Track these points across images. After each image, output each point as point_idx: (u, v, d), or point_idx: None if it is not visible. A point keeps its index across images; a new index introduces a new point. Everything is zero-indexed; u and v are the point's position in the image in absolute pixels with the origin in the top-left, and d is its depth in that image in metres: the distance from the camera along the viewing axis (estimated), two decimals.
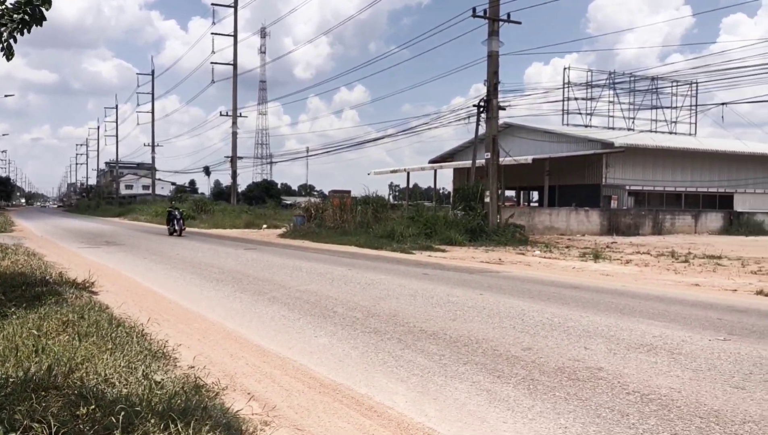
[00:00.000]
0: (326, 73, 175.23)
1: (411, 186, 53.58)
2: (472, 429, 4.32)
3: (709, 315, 8.96)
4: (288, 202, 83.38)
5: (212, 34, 52.91)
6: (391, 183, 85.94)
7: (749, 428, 4.24)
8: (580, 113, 46.22)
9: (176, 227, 28.73)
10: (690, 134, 49.10)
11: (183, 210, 32.63)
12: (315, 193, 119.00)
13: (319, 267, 15.33)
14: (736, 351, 6.55)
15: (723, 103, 28.88)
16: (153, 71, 76.88)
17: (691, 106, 48.15)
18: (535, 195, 53.56)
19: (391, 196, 65.45)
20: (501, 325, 7.95)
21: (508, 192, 53.43)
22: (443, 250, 21.46)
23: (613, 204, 39.94)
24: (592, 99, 46.50)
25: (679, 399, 4.88)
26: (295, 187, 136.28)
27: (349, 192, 47.08)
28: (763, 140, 57.03)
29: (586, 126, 46.04)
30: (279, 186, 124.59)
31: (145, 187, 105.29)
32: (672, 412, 4.58)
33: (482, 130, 27.24)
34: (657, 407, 4.68)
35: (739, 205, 44.10)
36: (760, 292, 11.72)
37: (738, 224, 41.41)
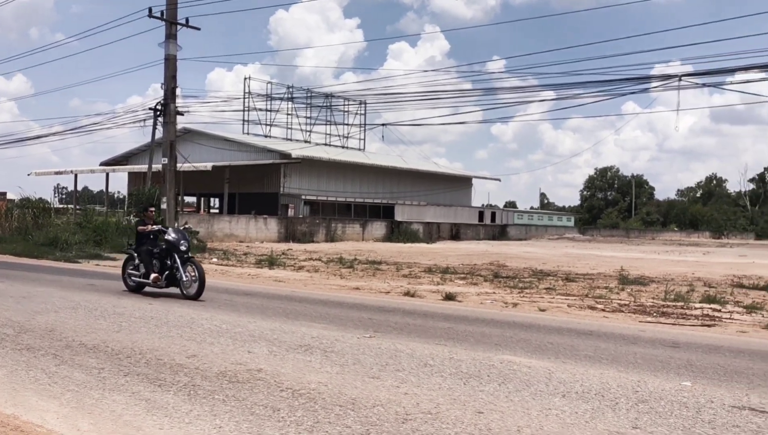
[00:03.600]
0: None
1: (80, 189, 49.80)
2: None
3: (362, 315, 10.00)
4: None
5: None
6: (57, 185, 78.56)
7: (377, 410, 4.93)
8: (261, 123, 47.60)
9: (181, 273, 11.53)
10: (360, 149, 53.63)
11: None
12: None
13: None
14: (378, 346, 7.46)
15: (384, 124, 32.10)
16: None
17: (360, 123, 52.63)
18: (216, 202, 53.59)
19: (56, 200, 60.01)
20: (168, 334, 7.94)
21: (188, 198, 52.68)
22: (114, 259, 20.42)
23: (291, 212, 41.80)
24: (272, 110, 48.16)
25: (325, 392, 5.44)
26: None
27: (4, 194, 42.15)
28: (420, 158, 64.55)
29: (266, 136, 47.55)
30: None
31: None
32: (317, 403, 5.10)
33: (160, 133, 26.55)
34: (305, 400, 5.17)
35: (399, 215, 49.31)
36: (407, 294, 13.36)
37: (398, 232, 46.27)
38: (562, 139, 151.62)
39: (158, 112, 26.28)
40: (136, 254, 12.22)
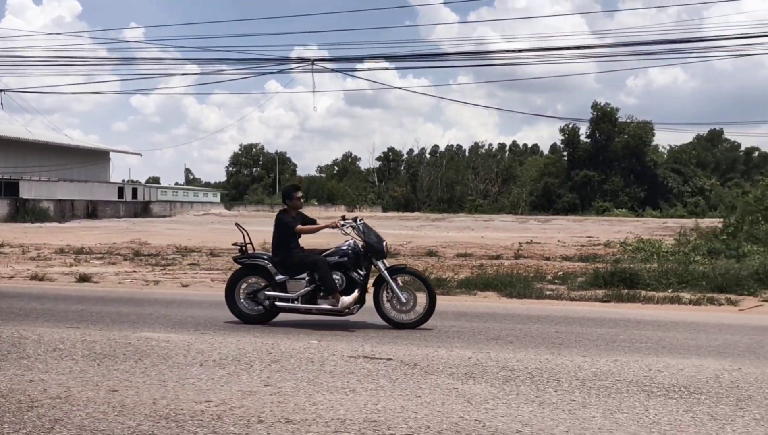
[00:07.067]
0: None
1: None
2: None
3: None
4: None
5: None
6: None
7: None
8: None
9: (394, 289, 7.46)
10: None
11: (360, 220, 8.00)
12: None
13: None
14: (83, 338, 6.76)
15: (3, 90, 28.52)
16: None
17: None
18: None
19: None
20: None
21: None
22: None
23: None
24: None
25: None
26: None
27: None
28: (50, 129, 58.57)
29: None
30: None
31: None
32: None
33: None
34: None
35: (26, 192, 44.36)
36: (35, 277, 12.25)
37: (24, 211, 41.60)
38: (207, 114, 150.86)
39: None
40: (271, 266, 7.81)
